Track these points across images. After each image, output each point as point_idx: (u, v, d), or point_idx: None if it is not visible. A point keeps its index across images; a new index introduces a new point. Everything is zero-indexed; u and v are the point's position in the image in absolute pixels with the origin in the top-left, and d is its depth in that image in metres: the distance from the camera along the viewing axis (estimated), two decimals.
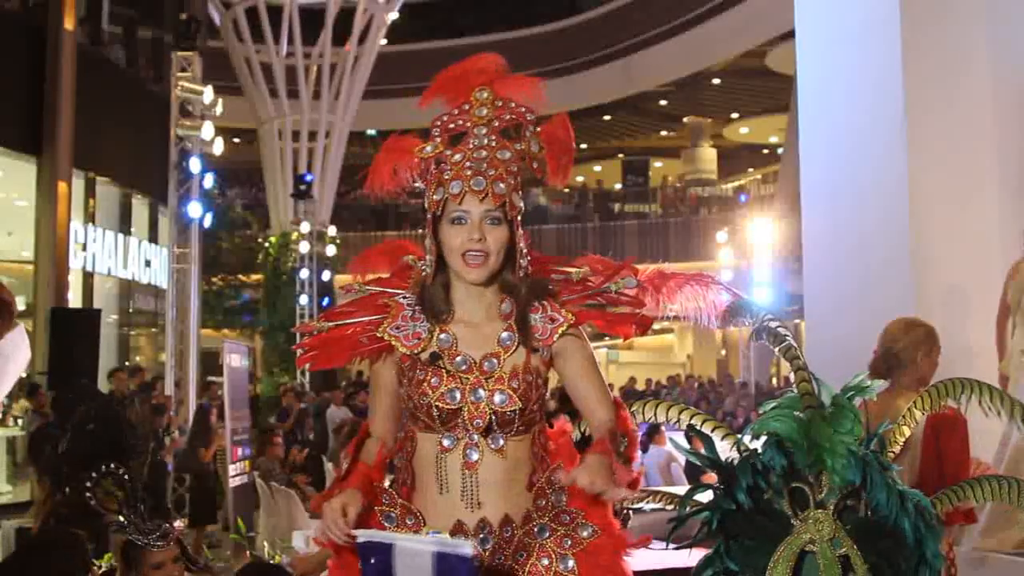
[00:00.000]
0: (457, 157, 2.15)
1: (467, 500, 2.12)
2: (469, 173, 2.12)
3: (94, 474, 3.56)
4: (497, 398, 2.12)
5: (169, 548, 3.49)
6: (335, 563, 2.19)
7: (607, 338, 2.36)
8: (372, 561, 1.96)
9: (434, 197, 2.14)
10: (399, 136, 2.28)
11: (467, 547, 1.90)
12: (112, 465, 3.57)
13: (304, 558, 4.81)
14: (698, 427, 2.22)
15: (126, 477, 3.54)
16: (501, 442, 2.13)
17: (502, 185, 2.12)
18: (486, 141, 2.17)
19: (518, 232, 2.16)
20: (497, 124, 2.19)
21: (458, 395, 2.12)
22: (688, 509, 2.03)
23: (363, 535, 1.98)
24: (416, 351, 2.16)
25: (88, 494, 3.55)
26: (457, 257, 2.13)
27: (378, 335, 2.17)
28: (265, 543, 8.26)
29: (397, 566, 1.92)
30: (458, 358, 2.15)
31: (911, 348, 3.76)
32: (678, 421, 2.35)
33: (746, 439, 2.05)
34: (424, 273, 2.17)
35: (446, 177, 2.13)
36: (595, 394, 2.19)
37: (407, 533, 2.12)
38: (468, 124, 2.19)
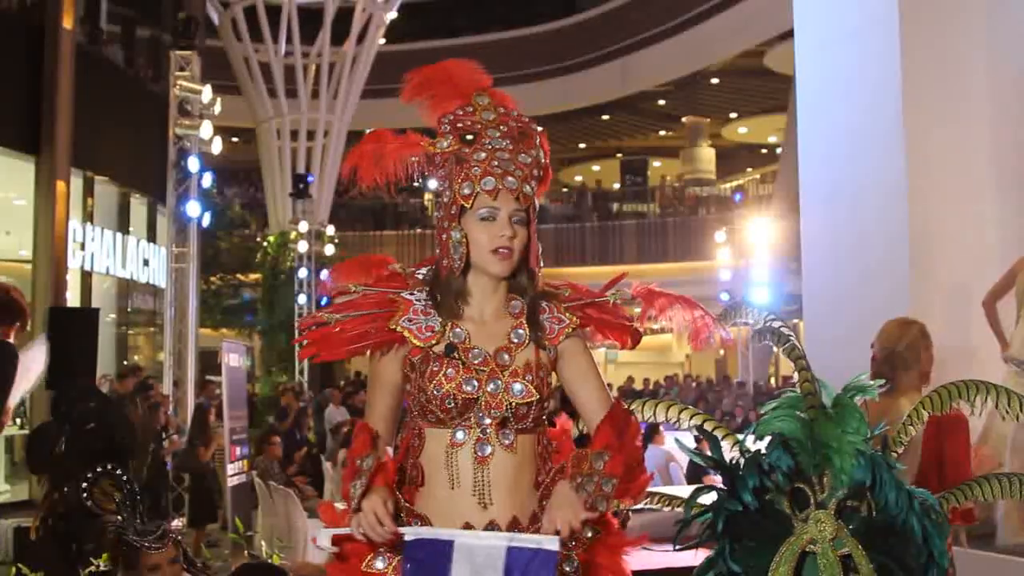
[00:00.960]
0: (482, 155, 2.16)
1: (478, 497, 2.11)
2: (500, 171, 2.14)
3: (90, 474, 3.54)
4: (516, 387, 2.13)
5: (166, 550, 3.47)
6: (335, 566, 2.17)
7: None
8: (421, 559, 1.90)
9: (464, 191, 2.14)
10: (382, 130, 2.28)
11: (553, 542, 1.85)
12: (109, 466, 3.56)
13: (304, 564, 4.80)
14: (700, 427, 2.22)
15: (124, 478, 3.52)
16: (512, 438, 2.14)
17: (528, 187, 2.16)
18: (502, 144, 2.18)
19: (534, 235, 2.20)
20: (506, 129, 2.21)
21: (476, 384, 2.12)
22: (692, 511, 2.02)
23: (411, 532, 1.95)
24: (430, 344, 2.16)
25: (84, 494, 3.54)
26: (485, 252, 2.15)
27: (390, 327, 2.17)
28: (263, 542, 8.27)
29: (456, 563, 1.87)
30: (474, 351, 2.15)
31: (913, 346, 3.76)
32: (677, 421, 2.35)
33: (748, 440, 2.05)
34: (455, 265, 2.17)
35: (475, 173, 2.14)
36: (596, 396, 2.22)
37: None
38: (478, 125, 2.20)
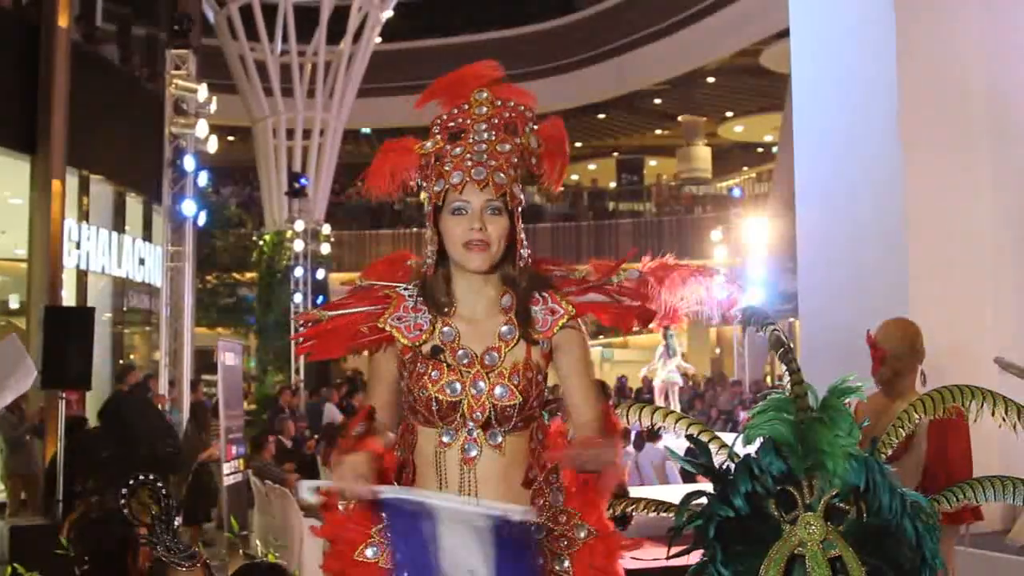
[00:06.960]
0: (457, 151, 2.15)
1: (465, 498, 2.11)
2: (470, 164, 2.12)
3: (131, 482, 3.47)
4: (497, 391, 2.12)
5: (195, 571, 3.37)
6: (329, 555, 2.18)
7: (602, 336, 2.36)
8: (396, 521, 1.91)
9: (435, 188, 2.14)
10: (395, 139, 2.28)
11: (518, 513, 1.86)
12: (150, 476, 3.48)
13: None
14: (685, 432, 2.21)
15: (163, 491, 3.44)
16: (500, 438, 2.13)
17: (502, 175, 2.13)
18: (486, 136, 2.17)
19: (518, 223, 2.17)
20: (496, 121, 2.19)
21: (459, 387, 2.12)
22: (684, 517, 2.01)
23: (388, 491, 1.95)
24: (417, 343, 2.15)
25: (122, 501, 3.46)
26: (458, 247, 2.13)
27: (379, 325, 2.17)
28: (258, 542, 8.25)
29: (441, 524, 1.86)
30: (460, 352, 2.14)
31: (915, 350, 3.71)
32: (664, 425, 2.33)
33: (737, 445, 2.04)
34: (426, 265, 2.17)
35: (447, 169, 2.14)
36: (583, 392, 2.20)
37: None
38: (468, 122, 2.19)
